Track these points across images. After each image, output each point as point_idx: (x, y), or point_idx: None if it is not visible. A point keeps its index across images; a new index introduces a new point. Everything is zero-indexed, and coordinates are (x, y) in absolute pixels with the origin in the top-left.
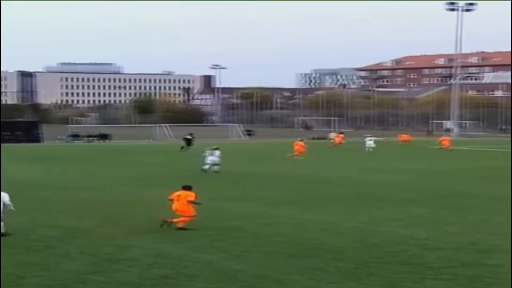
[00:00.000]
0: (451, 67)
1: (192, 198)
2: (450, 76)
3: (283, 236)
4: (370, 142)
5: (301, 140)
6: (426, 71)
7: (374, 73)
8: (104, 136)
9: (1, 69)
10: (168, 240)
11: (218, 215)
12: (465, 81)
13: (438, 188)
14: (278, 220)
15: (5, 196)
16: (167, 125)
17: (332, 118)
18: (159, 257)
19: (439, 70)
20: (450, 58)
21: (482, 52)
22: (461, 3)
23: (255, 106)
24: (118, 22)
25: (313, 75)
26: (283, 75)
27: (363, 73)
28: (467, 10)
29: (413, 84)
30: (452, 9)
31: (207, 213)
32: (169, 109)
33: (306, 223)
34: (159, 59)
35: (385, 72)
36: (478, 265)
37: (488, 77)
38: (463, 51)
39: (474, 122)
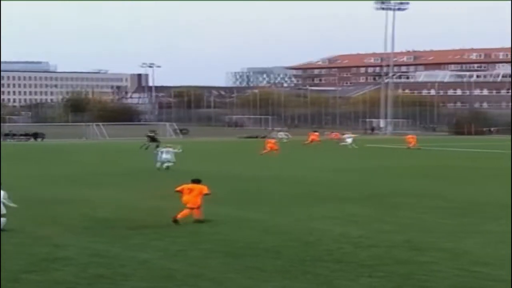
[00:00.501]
0: (383, 66)
1: (206, 191)
2: (382, 75)
3: (221, 235)
4: (349, 139)
5: (272, 138)
6: (359, 70)
7: (306, 71)
8: (37, 135)
9: None
10: (104, 239)
11: (156, 213)
12: (398, 80)
13: (376, 186)
14: (216, 219)
15: (5, 195)
16: (100, 123)
17: (265, 116)
18: (95, 256)
19: (372, 69)
20: (383, 57)
21: (414, 51)
22: (393, 3)
23: (190, 105)
24: (54, 21)
25: (246, 73)
26: (217, 74)
27: (295, 72)
28: (399, 9)
29: (346, 83)
30: (385, 8)
31: (144, 212)
32: (102, 108)
33: (244, 222)
34: (93, 57)
35: (318, 71)
36: (412, 263)
37: (420, 75)
38: (396, 50)
39: (407, 121)
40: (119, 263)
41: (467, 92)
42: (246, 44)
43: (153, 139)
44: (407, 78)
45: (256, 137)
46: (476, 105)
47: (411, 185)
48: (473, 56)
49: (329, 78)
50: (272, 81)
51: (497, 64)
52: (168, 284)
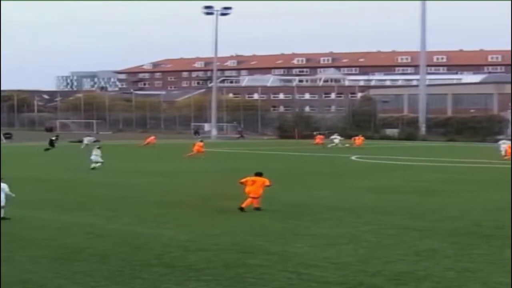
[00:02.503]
0: (209, 70)
1: (267, 183)
2: (208, 79)
3: (48, 240)
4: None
5: (201, 141)
6: (185, 74)
7: (133, 76)
8: None
9: None
10: None
11: None
12: (223, 84)
13: (204, 190)
14: (42, 224)
15: (5, 187)
16: None
17: (90, 120)
18: None
19: (198, 74)
20: (208, 62)
21: (237, 56)
22: (217, 7)
23: (14, 109)
24: None
25: (72, 77)
26: (43, 78)
27: (122, 76)
28: (223, 14)
29: (172, 87)
30: (209, 13)
31: None
32: None
33: (70, 226)
34: None
35: (144, 75)
36: (240, 266)
37: (244, 80)
38: (221, 55)
39: (233, 125)
40: None
41: (290, 97)
42: (73, 47)
43: (51, 143)
44: (231, 82)
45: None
46: (307, 109)
47: (237, 188)
48: (295, 61)
49: (154, 82)
50: (97, 85)
51: (318, 69)
52: None
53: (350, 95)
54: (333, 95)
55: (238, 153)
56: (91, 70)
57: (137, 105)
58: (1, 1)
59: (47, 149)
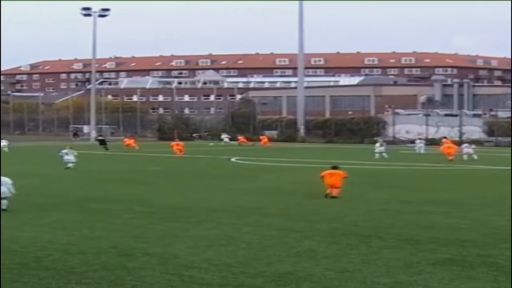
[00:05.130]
0: (87, 72)
1: (344, 175)
2: (87, 81)
3: None
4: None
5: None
6: (64, 76)
7: (10, 77)
8: None
9: None
10: None
11: None
12: (102, 86)
13: (78, 192)
14: None
15: (8, 181)
16: None
17: None
18: None
19: (76, 75)
20: (86, 63)
21: (116, 57)
22: (95, 9)
23: None
24: None
25: None
26: None
27: None
28: (101, 16)
29: (51, 89)
30: (87, 14)
31: None
32: None
33: None
34: None
35: (22, 77)
36: (120, 268)
37: (123, 82)
38: (100, 56)
39: (113, 127)
40: None
41: (170, 98)
42: None
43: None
44: (110, 84)
45: None
46: (186, 111)
47: (115, 190)
48: (174, 63)
49: (32, 84)
50: None
51: (197, 71)
52: None
53: (229, 97)
54: (212, 97)
55: (116, 155)
56: None
57: (14, 107)
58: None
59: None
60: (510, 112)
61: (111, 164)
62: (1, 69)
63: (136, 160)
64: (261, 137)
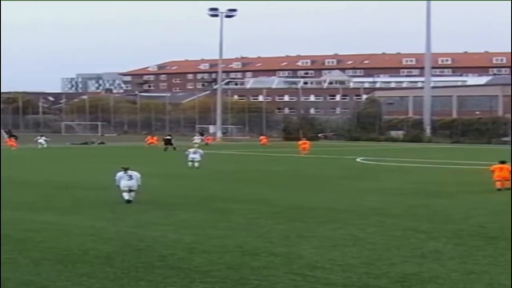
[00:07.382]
0: (214, 72)
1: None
2: (213, 81)
3: (50, 242)
4: None
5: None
6: (190, 76)
7: (138, 77)
8: None
9: None
10: None
11: None
12: (228, 86)
13: (203, 192)
14: (43, 226)
15: (137, 174)
16: None
17: (94, 122)
18: None
19: (203, 76)
20: (213, 64)
21: (242, 58)
22: (222, 9)
23: (19, 111)
24: None
25: (77, 79)
26: (48, 80)
27: (127, 78)
28: (228, 16)
29: (177, 89)
30: (214, 15)
31: None
32: None
33: (72, 229)
34: None
35: (149, 77)
36: (245, 268)
37: (249, 82)
38: (226, 57)
39: (238, 127)
40: None
41: (295, 98)
42: (79, 49)
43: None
44: (236, 84)
45: (86, 143)
46: (312, 111)
47: (240, 190)
48: (300, 63)
49: (159, 84)
50: (102, 87)
51: (323, 71)
52: None
53: (355, 97)
54: (338, 97)
55: (249, 156)
56: (96, 72)
57: (142, 107)
58: (2, 1)
59: (166, 149)
60: None
61: (234, 164)
62: (130, 70)
63: (261, 160)
64: (260, 137)
